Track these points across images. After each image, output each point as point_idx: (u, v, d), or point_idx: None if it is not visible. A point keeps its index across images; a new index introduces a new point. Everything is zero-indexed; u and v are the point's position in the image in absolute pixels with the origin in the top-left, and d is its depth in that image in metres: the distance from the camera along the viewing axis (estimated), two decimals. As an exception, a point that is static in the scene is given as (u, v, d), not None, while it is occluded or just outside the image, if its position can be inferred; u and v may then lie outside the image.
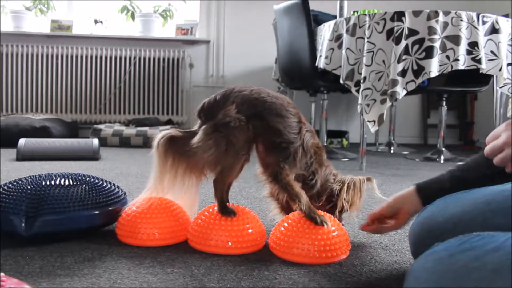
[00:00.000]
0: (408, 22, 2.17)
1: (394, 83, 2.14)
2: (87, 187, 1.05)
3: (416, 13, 2.18)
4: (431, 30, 2.16)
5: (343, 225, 1.07)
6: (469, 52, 2.19)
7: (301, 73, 2.82)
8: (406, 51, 2.16)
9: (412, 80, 2.16)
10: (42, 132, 3.01)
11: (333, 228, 0.96)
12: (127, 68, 3.82)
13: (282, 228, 0.97)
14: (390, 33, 2.20)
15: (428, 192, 1.01)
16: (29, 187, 1.01)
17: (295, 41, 2.81)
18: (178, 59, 3.85)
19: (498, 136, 0.72)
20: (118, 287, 0.77)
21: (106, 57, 3.78)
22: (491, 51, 2.23)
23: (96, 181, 1.12)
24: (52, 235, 0.98)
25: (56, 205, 0.97)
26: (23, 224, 0.95)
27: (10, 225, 0.95)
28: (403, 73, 2.16)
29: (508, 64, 2.25)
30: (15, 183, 1.04)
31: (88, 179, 1.12)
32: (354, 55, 2.31)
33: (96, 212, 1.02)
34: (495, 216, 0.60)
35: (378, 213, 1.06)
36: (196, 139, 0.98)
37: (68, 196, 1.00)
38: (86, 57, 3.76)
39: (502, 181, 0.89)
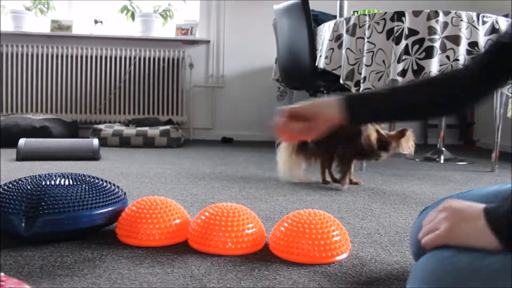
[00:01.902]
0: (408, 22, 2.17)
1: (394, 83, 2.14)
2: (87, 187, 1.05)
3: (416, 13, 2.18)
4: (431, 30, 2.16)
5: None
6: (469, 52, 2.19)
7: (301, 73, 2.82)
8: (406, 51, 2.16)
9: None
10: (42, 132, 3.01)
11: (333, 228, 0.96)
12: (127, 68, 3.82)
13: (282, 228, 0.97)
14: (390, 33, 2.20)
15: (353, 102, 0.95)
16: (29, 187, 1.01)
17: (295, 41, 2.81)
18: (178, 59, 3.85)
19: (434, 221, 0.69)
20: (118, 287, 0.77)
21: (106, 57, 3.78)
22: (491, 51, 2.23)
23: (96, 181, 1.12)
24: (52, 235, 0.98)
25: (56, 205, 0.97)
26: (23, 224, 0.95)
27: (10, 225, 0.95)
28: (403, 73, 2.16)
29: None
30: (15, 183, 1.04)
31: (88, 179, 1.12)
32: (354, 55, 2.31)
33: (96, 212, 1.02)
34: None
35: (295, 109, 0.98)
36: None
37: (68, 196, 1.00)
38: (86, 57, 3.76)
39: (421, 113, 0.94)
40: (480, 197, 0.80)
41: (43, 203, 0.97)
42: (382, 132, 1.78)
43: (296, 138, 1.01)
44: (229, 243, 0.95)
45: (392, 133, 1.79)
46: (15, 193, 0.99)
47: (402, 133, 1.76)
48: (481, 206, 0.61)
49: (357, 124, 0.95)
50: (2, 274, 0.66)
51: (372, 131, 1.72)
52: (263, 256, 0.96)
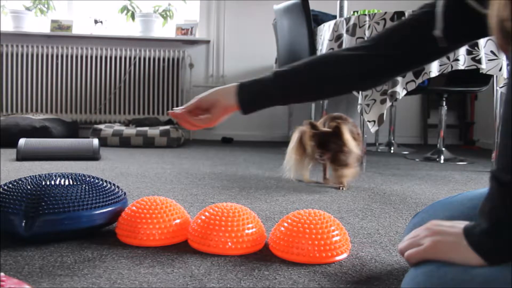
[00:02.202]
0: (408, 22, 2.17)
1: (394, 83, 2.14)
2: (87, 187, 1.05)
3: (416, 13, 2.18)
4: (431, 30, 2.15)
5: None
6: (469, 52, 2.19)
7: (301, 73, 2.82)
8: (406, 51, 2.16)
9: (412, 80, 2.16)
10: (42, 132, 3.01)
11: (332, 228, 0.96)
12: (127, 68, 3.82)
13: (282, 228, 0.97)
14: (390, 33, 2.19)
15: (244, 88, 0.94)
16: (29, 187, 1.01)
17: (295, 41, 2.81)
18: (178, 59, 3.85)
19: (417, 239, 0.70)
20: (118, 287, 0.77)
21: (106, 57, 3.78)
22: (491, 51, 2.23)
23: (96, 181, 1.12)
24: (52, 235, 0.98)
25: (56, 205, 0.97)
26: (23, 224, 0.95)
27: (10, 225, 0.95)
28: (403, 73, 2.15)
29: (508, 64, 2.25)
30: (15, 183, 1.04)
31: (88, 179, 1.12)
32: (354, 55, 2.31)
33: (96, 212, 1.02)
34: None
35: (194, 103, 0.98)
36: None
37: (68, 196, 1.00)
38: (86, 57, 3.76)
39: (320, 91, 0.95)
40: (468, 201, 0.81)
41: (43, 203, 0.97)
42: (320, 129, 1.74)
43: (196, 127, 1.00)
44: (229, 243, 0.95)
45: (326, 129, 1.75)
46: (15, 193, 0.99)
47: (334, 129, 1.69)
48: (461, 225, 0.62)
49: (252, 110, 0.97)
50: (2, 274, 0.66)
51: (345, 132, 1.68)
52: (263, 256, 0.96)
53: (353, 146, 1.70)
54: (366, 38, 0.96)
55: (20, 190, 1.00)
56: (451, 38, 0.83)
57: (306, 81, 0.93)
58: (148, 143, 3.17)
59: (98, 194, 1.05)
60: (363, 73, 0.92)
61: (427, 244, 0.66)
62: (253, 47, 3.96)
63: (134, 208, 1.04)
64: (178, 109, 1.00)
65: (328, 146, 1.70)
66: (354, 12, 2.59)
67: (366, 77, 0.92)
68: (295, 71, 0.94)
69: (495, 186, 0.57)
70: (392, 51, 0.89)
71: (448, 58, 2.17)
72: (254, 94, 0.94)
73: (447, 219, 0.76)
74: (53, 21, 3.78)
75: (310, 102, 3.49)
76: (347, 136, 1.67)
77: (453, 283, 0.58)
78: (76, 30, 3.83)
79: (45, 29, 3.82)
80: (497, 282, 0.54)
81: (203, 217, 1.00)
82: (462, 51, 2.17)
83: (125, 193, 1.16)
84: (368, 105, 2.21)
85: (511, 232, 0.55)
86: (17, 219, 0.95)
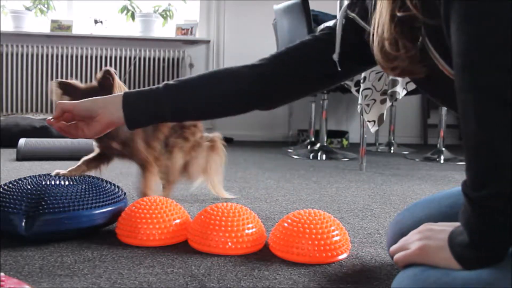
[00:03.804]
0: (408, 22, 2.17)
1: (394, 83, 2.14)
2: (87, 187, 1.05)
3: (416, 13, 2.18)
4: (431, 30, 2.16)
5: None
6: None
7: (301, 73, 2.82)
8: (406, 51, 2.16)
9: (412, 80, 2.16)
10: (42, 132, 3.01)
11: (332, 228, 0.96)
12: (127, 68, 3.82)
13: (282, 228, 0.97)
14: (390, 33, 2.19)
15: (135, 102, 0.86)
16: (29, 186, 1.01)
17: (295, 41, 2.80)
18: (178, 59, 3.85)
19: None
20: (118, 287, 0.77)
21: (106, 57, 3.78)
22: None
23: (96, 181, 1.12)
24: (52, 235, 0.98)
25: (56, 205, 0.97)
26: (23, 224, 0.95)
27: (10, 225, 0.95)
28: (403, 73, 2.16)
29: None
30: (15, 183, 1.04)
31: (88, 179, 1.12)
32: (354, 55, 2.31)
33: (96, 211, 1.02)
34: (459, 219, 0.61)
35: (69, 105, 0.88)
36: None
37: (68, 195, 1.00)
38: (86, 57, 3.76)
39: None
40: (445, 199, 0.83)
41: (43, 203, 0.97)
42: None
43: (71, 134, 0.91)
44: (229, 243, 0.95)
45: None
46: (15, 193, 0.99)
47: (101, 80, 1.18)
48: (450, 229, 0.63)
49: (138, 126, 0.90)
50: (2, 274, 0.66)
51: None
52: (263, 256, 0.96)
53: None
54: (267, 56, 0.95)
55: (20, 190, 1.00)
56: (345, 62, 0.85)
57: (195, 96, 0.89)
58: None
59: (98, 193, 1.05)
60: (248, 89, 0.90)
61: (414, 248, 0.67)
62: (253, 47, 3.96)
63: (134, 208, 1.04)
64: (53, 120, 0.91)
65: None
66: (354, 12, 2.58)
67: (255, 94, 0.91)
68: (185, 84, 0.90)
69: (466, 201, 0.57)
70: (286, 70, 0.89)
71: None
72: (143, 108, 0.86)
73: (425, 217, 0.78)
74: (53, 21, 3.78)
75: (310, 102, 3.49)
76: (120, 85, 1.18)
77: (435, 285, 0.60)
78: (76, 30, 3.83)
79: (45, 29, 3.82)
80: (477, 283, 0.56)
81: (203, 217, 1.00)
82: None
83: (125, 193, 1.16)
84: (368, 105, 2.21)
85: (488, 245, 0.56)
86: (17, 218, 0.95)
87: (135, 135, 1.19)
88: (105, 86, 1.13)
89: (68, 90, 1.17)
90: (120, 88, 1.15)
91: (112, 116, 0.86)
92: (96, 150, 1.23)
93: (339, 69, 0.86)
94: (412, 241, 0.69)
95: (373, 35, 0.70)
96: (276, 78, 0.90)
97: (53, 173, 1.14)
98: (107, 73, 1.14)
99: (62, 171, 1.16)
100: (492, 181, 0.53)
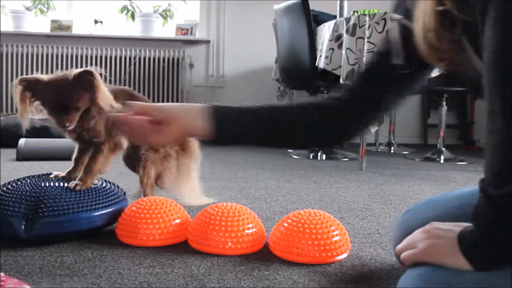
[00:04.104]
0: (408, 22, 2.17)
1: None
2: (86, 189, 1.05)
3: (416, 13, 2.18)
4: (431, 30, 2.15)
5: None
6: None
7: (301, 73, 2.82)
8: (406, 51, 2.16)
9: (412, 80, 2.15)
10: (42, 132, 3.00)
11: (332, 228, 0.96)
12: (127, 68, 3.82)
13: (282, 228, 0.97)
14: (390, 33, 2.19)
15: (220, 112, 0.81)
16: (28, 188, 1.01)
17: (295, 41, 2.81)
18: (178, 59, 3.85)
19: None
20: (118, 287, 0.77)
21: (106, 57, 3.78)
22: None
23: (96, 181, 1.12)
24: (52, 237, 0.98)
25: (56, 207, 0.97)
26: (22, 227, 0.94)
27: (10, 228, 0.95)
28: (403, 73, 2.15)
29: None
30: (14, 184, 1.04)
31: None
32: (354, 55, 2.31)
33: (96, 213, 1.02)
34: (468, 220, 0.61)
35: (147, 107, 0.83)
36: None
37: (67, 197, 1.00)
38: (86, 57, 3.76)
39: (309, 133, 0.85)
40: (455, 200, 0.82)
41: (42, 205, 0.96)
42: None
43: (141, 139, 0.87)
44: (229, 243, 0.95)
45: None
46: (14, 195, 0.99)
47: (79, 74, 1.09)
48: (458, 229, 0.63)
49: (224, 141, 0.84)
50: (2, 274, 0.66)
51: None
52: (263, 256, 0.96)
53: (111, 102, 1.11)
54: (339, 93, 0.92)
55: (19, 192, 0.99)
56: (411, 63, 0.82)
57: (285, 131, 0.85)
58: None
59: (97, 195, 1.05)
60: (332, 127, 0.88)
61: (422, 247, 0.67)
62: (253, 47, 3.96)
63: (134, 208, 1.04)
64: (122, 114, 0.85)
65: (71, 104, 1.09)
66: (354, 12, 2.59)
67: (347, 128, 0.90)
68: (283, 108, 0.88)
69: (483, 198, 0.57)
70: (364, 99, 0.87)
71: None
72: (229, 122, 0.80)
73: (434, 217, 0.77)
74: (53, 21, 3.78)
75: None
76: (101, 85, 1.10)
77: (445, 285, 0.59)
78: (76, 30, 3.83)
79: (45, 29, 3.82)
80: (486, 285, 0.55)
81: (203, 217, 1.00)
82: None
83: (125, 193, 1.16)
84: (368, 105, 2.21)
85: (502, 246, 0.56)
86: (16, 221, 0.94)
87: (100, 122, 1.15)
88: (82, 82, 1.07)
89: (29, 85, 1.11)
90: (102, 88, 1.10)
91: (191, 123, 0.81)
92: (77, 146, 1.22)
93: (408, 71, 0.83)
94: (419, 240, 0.68)
95: (417, 30, 0.70)
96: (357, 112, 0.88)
97: (51, 176, 1.14)
98: (88, 73, 1.08)
99: (61, 174, 1.15)
100: None
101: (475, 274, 0.57)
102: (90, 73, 1.07)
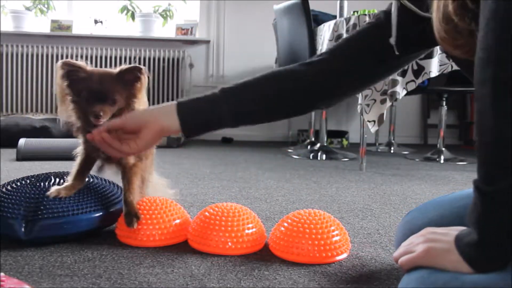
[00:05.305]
0: (408, 22, 2.17)
1: (394, 83, 2.14)
2: (85, 190, 1.05)
3: (416, 13, 2.18)
4: (431, 30, 2.16)
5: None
6: (469, 52, 2.19)
7: (301, 73, 2.82)
8: (406, 51, 2.16)
9: (412, 80, 2.16)
10: (42, 132, 3.01)
11: (332, 228, 0.96)
12: (127, 68, 3.82)
13: (282, 228, 0.97)
14: (390, 33, 2.19)
15: (191, 108, 0.83)
16: (27, 190, 1.00)
17: (295, 41, 2.81)
18: (178, 59, 3.85)
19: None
20: (118, 287, 0.77)
21: (106, 57, 3.78)
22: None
23: (96, 181, 1.11)
24: (52, 239, 0.98)
25: (55, 209, 0.97)
26: (22, 229, 0.94)
27: (10, 229, 0.95)
28: (403, 73, 2.16)
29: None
30: (13, 185, 1.03)
31: (87, 179, 1.11)
32: (354, 55, 2.31)
33: (96, 214, 1.02)
34: None
35: (118, 123, 0.85)
36: None
37: (67, 199, 0.99)
38: (86, 57, 3.76)
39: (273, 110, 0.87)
40: (458, 200, 0.82)
41: (42, 207, 0.96)
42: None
43: (120, 153, 0.87)
44: (229, 243, 0.95)
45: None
46: (14, 197, 0.98)
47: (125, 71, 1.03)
48: (455, 233, 0.63)
49: (192, 133, 0.86)
50: (2, 274, 0.66)
51: None
52: (263, 256, 0.96)
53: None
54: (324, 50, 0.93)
55: (19, 194, 0.99)
56: (402, 46, 0.83)
57: (255, 98, 0.87)
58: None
59: (97, 196, 1.05)
60: (310, 87, 0.89)
61: (420, 251, 0.67)
62: (253, 47, 3.96)
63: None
64: (96, 131, 0.85)
65: (108, 99, 0.98)
66: (354, 12, 2.59)
67: (317, 91, 0.90)
68: (243, 86, 0.88)
69: (477, 196, 0.57)
70: (348, 61, 0.87)
71: (448, 58, 2.17)
72: (199, 113, 0.84)
73: (438, 217, 0.77)
74: (53, 21, 3.79)
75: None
76: (144, 87, 1.05)
77: None
78: (76, 30, 3.83)
79: (45, 29, 3.82)
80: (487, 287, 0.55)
81: (203, 217, 1.00)
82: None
83: (125, 193, 1.16)
84: (368, 105, 2.21)
85: (499, 244, 0.55)
86: (16, 223, 0.94)
87: None
88: (126, 78, 1.01)
89: (71, 70, 1.04)
90: (144, 90, 1.04)
91: (164, 123, 0.83)
92: (80, 157, 1.10)
93: (397, 53, 0.84)
94: (416, 244, 0.68)
95: (434, 17, 0.70)
96: (338, 71, 0.88)
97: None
98: (137, 69, 1.02)
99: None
100: (506, 175, 0.53)
101: (474, 277, 0.57)
102: (139, 70, 1.02)
